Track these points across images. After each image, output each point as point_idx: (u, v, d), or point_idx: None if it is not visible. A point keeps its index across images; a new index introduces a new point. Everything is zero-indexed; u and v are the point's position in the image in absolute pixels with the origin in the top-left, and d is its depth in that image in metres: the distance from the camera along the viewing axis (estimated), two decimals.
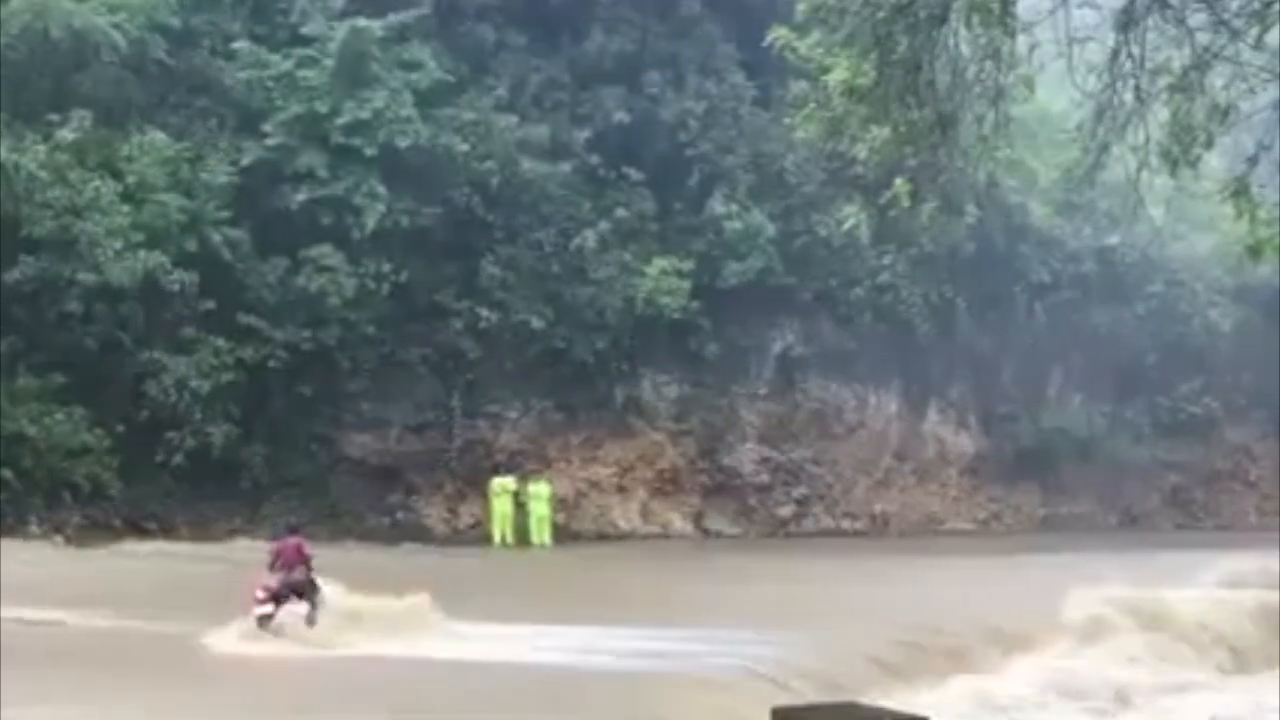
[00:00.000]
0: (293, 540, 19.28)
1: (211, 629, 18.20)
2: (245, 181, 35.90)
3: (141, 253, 33.67)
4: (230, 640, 17.99)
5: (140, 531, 32.83)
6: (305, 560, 18.85)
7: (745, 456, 41.43)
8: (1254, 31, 17.33)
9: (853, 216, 19.07)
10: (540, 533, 36.91)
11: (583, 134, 39.23)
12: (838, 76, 16.69)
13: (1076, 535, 40.77)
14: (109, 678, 15.81)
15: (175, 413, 33.97)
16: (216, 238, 35.00)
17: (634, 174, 39.42)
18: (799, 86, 18.34)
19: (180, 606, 20.47)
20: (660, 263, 38.81)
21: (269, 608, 18.33)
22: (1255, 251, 18.51)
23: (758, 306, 40.47)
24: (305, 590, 18.64)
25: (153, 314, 34.17)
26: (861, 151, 17.09)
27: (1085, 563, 28.31)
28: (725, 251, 39.77)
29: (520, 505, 37.09)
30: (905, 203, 17.27)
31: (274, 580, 18.55)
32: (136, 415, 33.79)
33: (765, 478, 41.65)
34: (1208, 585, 24.52)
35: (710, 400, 40.93)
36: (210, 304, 34.81)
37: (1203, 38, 17.40)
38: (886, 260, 41.44)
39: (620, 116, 39.25)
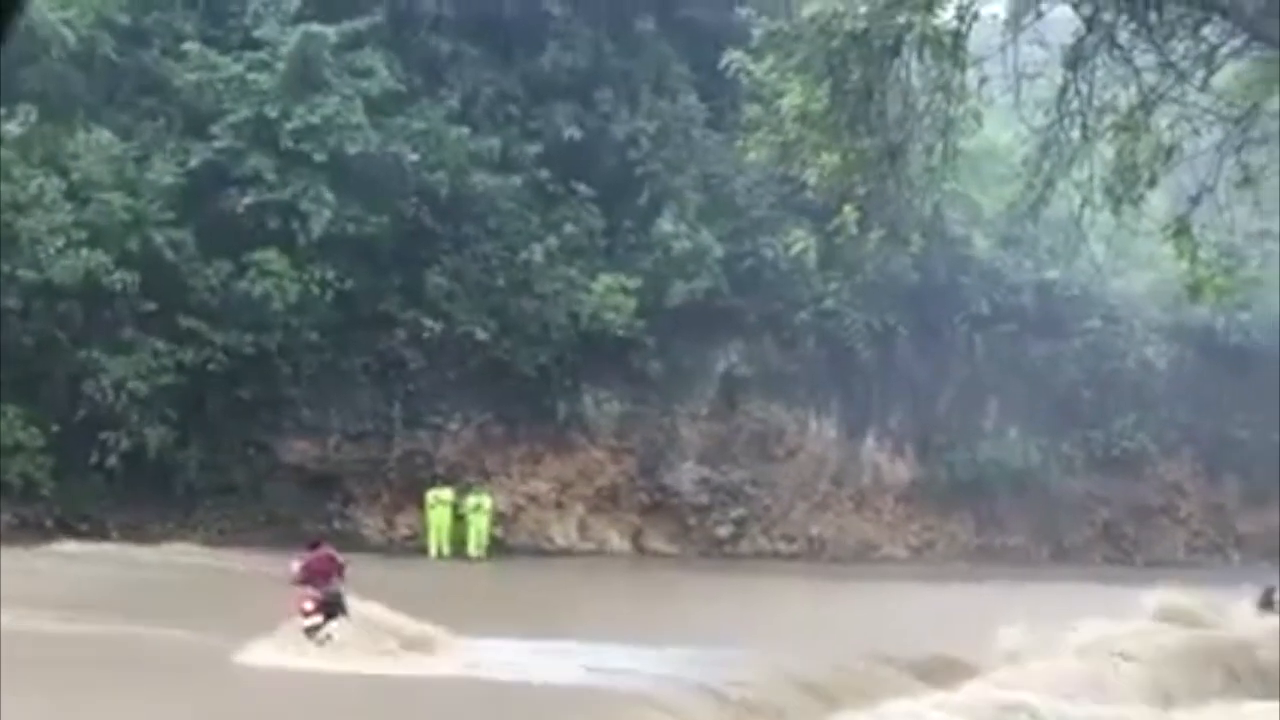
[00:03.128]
0: (322, 552, 19.28)
1: (247, 640, 17.93)
2: (191, 183, 35.68)
3: (84, 251, 33.41)
4: (278, 653, 17.79)
5: (72, 532, 32.49)
6: (339, 570, 18.90)
7: (685, 476, 41.51)
8: (1200, 74, 17.68)
9: (800, 241, 19.34)
10: (477, 545, 36.85)
11: (534, 148, 39.26)
12: (791, 101, 16.89)
13: (1009, 566, 41.07)
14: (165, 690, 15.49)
15: (112, 413, 33.68)
16: (160, 239, 34.76)
17: (584, 190, 39.47)
18: (752, 110, 18.49)
19: (175, 612, 20.18)
20: (607, 279, 38.87)
21: (318, 619, 18.28)
22: (1195, 290, 18.87)
23: (702, 327, 40.60)
24: (342, 602, 18.65)
25: (92, 313, 33.90)
26: (812, 177, 17.31)
27: (1018, 593, 28.54)
28: (672, 270, 39.87)
29: (459, 517, 37.01)
30: (852, 230, 17.50)
31: (320, 592, 18.47)
32: (72, 415, 33.48)
33: (704, 498, 41.74)
34: (1139, 619, 24.76)
35: (652, 418, 40.99)
36: (151, 305, 34.55)
37: (1150, 78, 17.73)
38: (831, 286, 41.66)
39: (572, 132, 39.30)
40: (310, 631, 18.17)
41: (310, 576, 18.68)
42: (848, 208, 16.58)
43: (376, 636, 18.57)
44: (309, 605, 18.22)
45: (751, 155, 17.88)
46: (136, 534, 32.80)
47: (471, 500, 37.14)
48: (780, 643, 20.96)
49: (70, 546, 30.21)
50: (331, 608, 18.39)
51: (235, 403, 35.98)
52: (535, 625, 21.96)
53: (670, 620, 24.10)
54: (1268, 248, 20.09)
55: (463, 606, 25.07)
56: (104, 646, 17.92)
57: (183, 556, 27.56)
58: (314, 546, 19.79)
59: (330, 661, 17.66)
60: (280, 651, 17.79)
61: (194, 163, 35.85)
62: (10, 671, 13.34)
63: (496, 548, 37.35)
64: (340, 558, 19.27)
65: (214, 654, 17.38)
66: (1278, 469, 48.07)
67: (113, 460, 33.69)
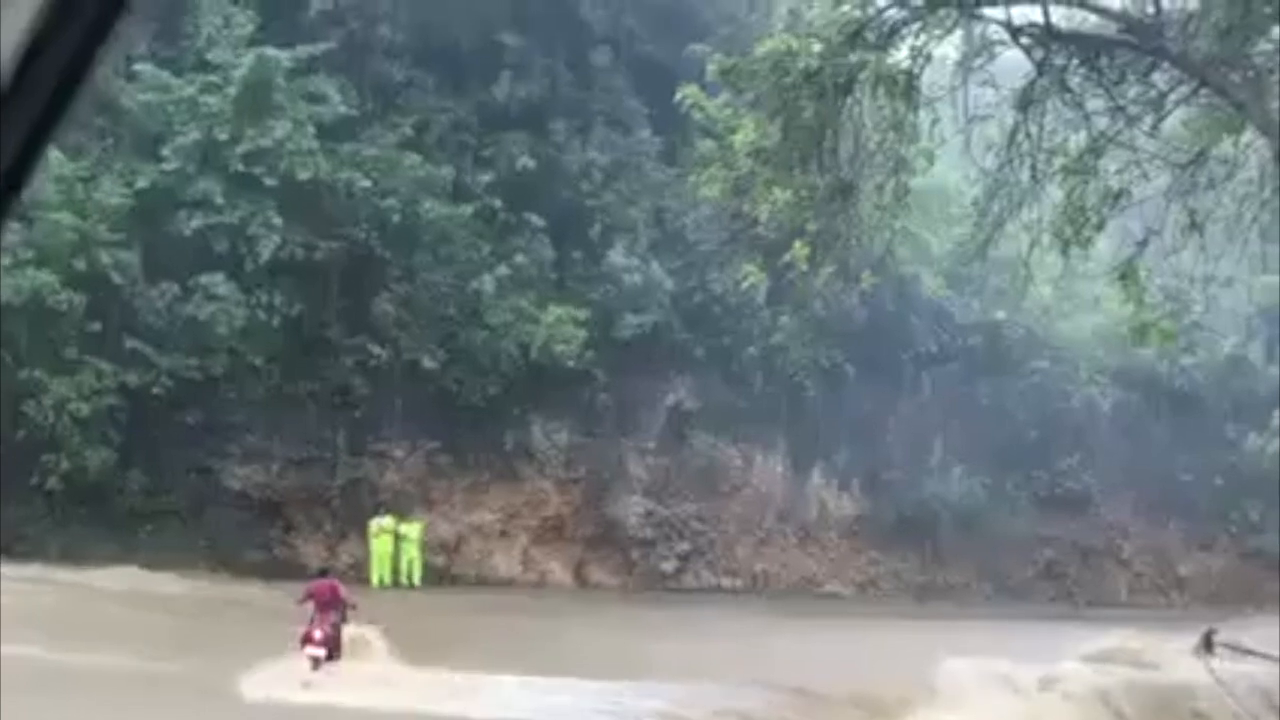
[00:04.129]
0: (326, 583, 19.30)
1: (239, 672, 17.77)
2: (139, 204, 35.39)
3: (30, 270, 33.05)
4: (279, 686, 17.66)
5: (10, 554, 31.98)
6: (342, 603, 18.91)
7: (630, 509, 41.45)
8: (1149, 119, 17.86)
9: (751, 276, 19.33)
10: (410, 574, 36.64)
11: (486, 177, 39.22)
12: (744, 137, 16.95)
13: (952, 604, 41.19)
14: None
15: (53, 435, 33.29)
16: (107, 259, 34.45)
17: (535, 220, 39.45)
18: (705, 145, 18.56)
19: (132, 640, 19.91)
20: (557, 310, 38.81)
21: (322, 651, 18.29)
22: (1140, 334, 19.02)
23: (651, 360, 40.62)
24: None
25: (36, 333, 33.52)
26: (763, 213, 17.36)
27: (959, 631, 28.59)
28: (622, 303, 39.89)
29: (398, 546, 36.82)
30: (803, 266, 17.56)
31: (327, 624, 18.47)
32: (13, 435, 33.05)
33: (649, 531, 41.67)
34: (1078, 660, 24.84)
35: (599, 450, 40.92)
36: (96, 326, 34.21)
37: (1100, 122, 17.90)
38: (780, 321, 41.79)
39: (525, 162, 39.30)
40: (316, 662, 18.25)
41: (313, 606, 18.78)
42: (799, 244, 16.63)
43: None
44: (317, 634, 18.33)
45: (704, 190, 17.91)
46: (78, 557, 32.34)
47: (404, 528, 36.92)
48: (719, 678, 20.90)
49: (6, 569, 29.71)
50: (335, 641, 18.53)
51: (178, 427, 35.64)
52: (473, 658, 21.81)
53: (610, 654, 23.96)
54: (1213, 293, 20.28)
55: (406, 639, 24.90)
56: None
57: (126, 580, 27.17)
58: (323, 574, 20.01)
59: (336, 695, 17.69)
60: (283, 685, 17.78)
61: (143, 184, 35.58)
62: None
63: (440, 578, 37.08)
64: (344, 591, 19.41)
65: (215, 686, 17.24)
66: (1220, 513, 48.58)
67: (53, 482, 33.28)
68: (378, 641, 19.81)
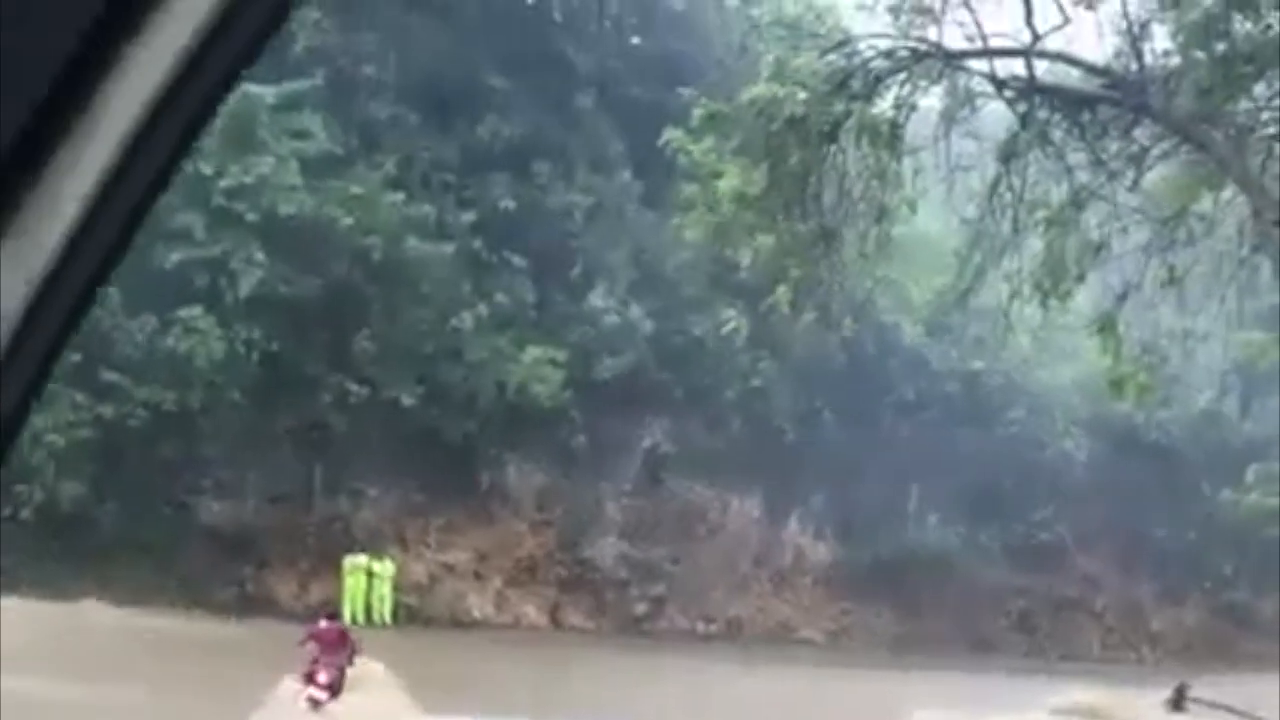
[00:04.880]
0: (333, 626, 19.34)
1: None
2: None
3: None
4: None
5: None
6: (350, 647, 18.95)
7: (605, 551, 41.31)
8: (1131, 174, 18.00)
9: (732, 320, 19.40)
10: (381, 612, 36.46)
11: (468, 216, 39.26)
12: (729, 182, 17.01)
13: (925, 654, 41.08)
14: None
15: (27, 466, 33.05)
16: None
17: (516, 260, 39.48)
18: (689, 189, 18.61)
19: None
20: (535, 351, 38.80)
21: (325, 695, 18.27)
22: (1117, 386, 19.10)
23: (629, 402, 40.57)
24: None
25: None
26: (746, 257, 17.42)
27: (930, 683, 28.55)
28: (601, 345, 39.90)
29: (371, 584, 36.65)
30: (785, 310, 17.61)
31: (334, 666, 18.43)
32: None
33: (624, 574, 41.53)
34: (1045, 713, 24.82)
35: (575, 492, 40.82)
36: (75, 357, 34.03)
37: (1081, 176, 18.03)
38: (760, 365, 41.82)
39: (507, 203, 39.37)
40: (315, 704, 18.20)
41: (314, 650, 18.76)
42: (781, 289, 16.69)
43: None
44: (323, 678, 18.31)
45: (688, 233, 18.01)
46: (50, 590, 32.07)
47: (376, 566, 36.76)
48: None
49: None
50: (337, 685, 18.52)
51: (154, 460, 35.45)
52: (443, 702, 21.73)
53: (580, 698, 23.88)
54: (1190, 347, 20.38)
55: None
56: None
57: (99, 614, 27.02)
58: (331, 617, 20.06)
59: None
60: None
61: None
62: None
63: (412, 618, 36.88)
64: (353, 638, 19.45)
65: None
66: (1193, 568, 48.62)
67: (26, 513, 33.04)
68: (384, 677, 19.75)
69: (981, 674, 32.31)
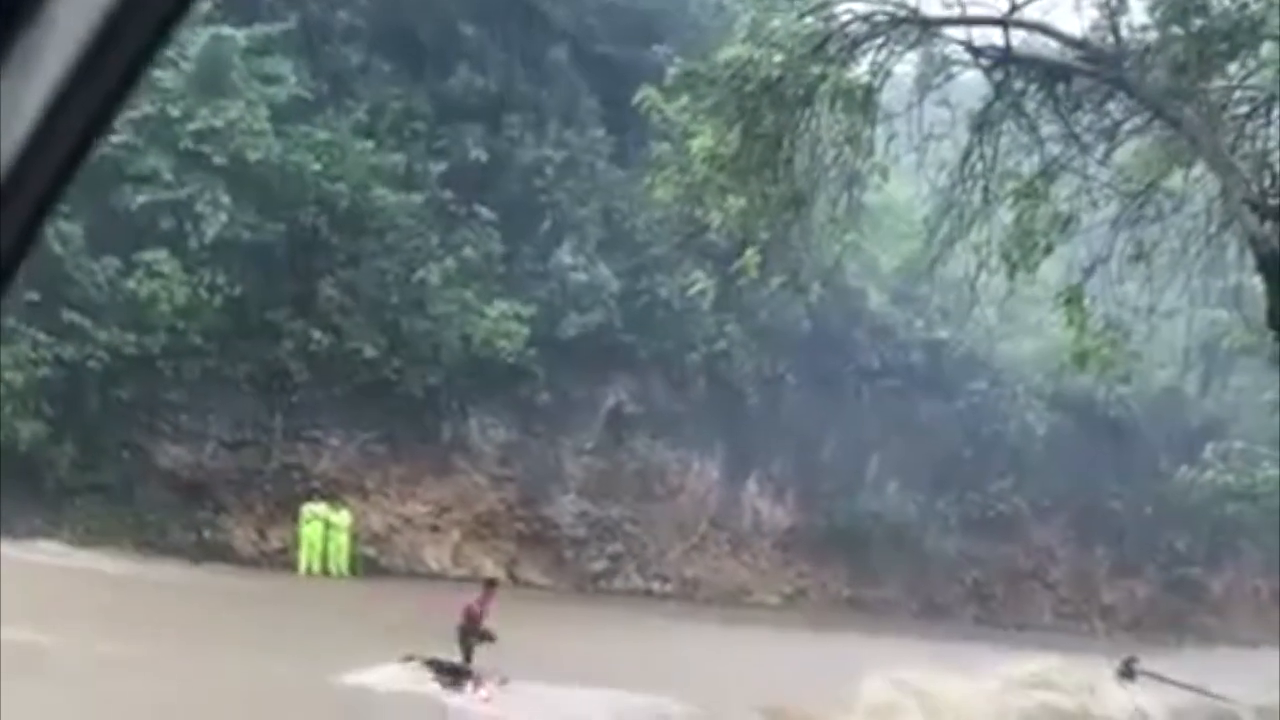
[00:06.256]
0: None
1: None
2: (85, 176, 34.44)
3: None
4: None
5: None
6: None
7: (565, 509, 41.36)
8: (1102, 148, 18.01)
9: (700, 282, 19.37)
10: (338, 562, 36.44)
11: (438, 167, 39.03)
12: (701, 143, 16.94)
13: (878, 618, 41.36)
14: None
15: None
16: (49, 230, 33.99)
17: (485, 213, 39.30)
18: (661, 148, 18.53)
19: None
20: (501, 305, 38.68)
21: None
22: (1080, 360, 19.16)
23: (593, 360, 40.54)
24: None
25: None
26: (716, 219, 17.37)
27: (883, 648, 28.71)
28: (567, 302, 39.81)
29: (328, 534, 36.61)
30: (753, 274, 17.58)
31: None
32: None
33: (582, 532, 41.61)
34: (997, 680, 25.00)
35: (536, 449, 40.82)
36: (35, 296, 33.75)
37: (1053, 148, 18.04)
38: (725, 328, 41.82)
39: (477, 154, 39.17)
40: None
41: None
42: (750, 252, 16.65)
43: None
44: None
45: (658, 193, 17.91)
46: (3, 529, 31.92)
47: (333, 516, 36.70)
48: (631, 686, 20.90)
49: None
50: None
51: (113, 402, 35.25)
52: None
53: (532, 655, 23.89)
54: (1154, 323, 20.46)
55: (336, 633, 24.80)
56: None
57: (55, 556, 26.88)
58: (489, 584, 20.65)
59: None
60: None
61: (90, 156, 35.07)
62: None
63: (369, 569, 36.87)
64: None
65: None
66: (1148, 542, 49.09)
67: None
68: None
69: (935, 640, 32.50)
